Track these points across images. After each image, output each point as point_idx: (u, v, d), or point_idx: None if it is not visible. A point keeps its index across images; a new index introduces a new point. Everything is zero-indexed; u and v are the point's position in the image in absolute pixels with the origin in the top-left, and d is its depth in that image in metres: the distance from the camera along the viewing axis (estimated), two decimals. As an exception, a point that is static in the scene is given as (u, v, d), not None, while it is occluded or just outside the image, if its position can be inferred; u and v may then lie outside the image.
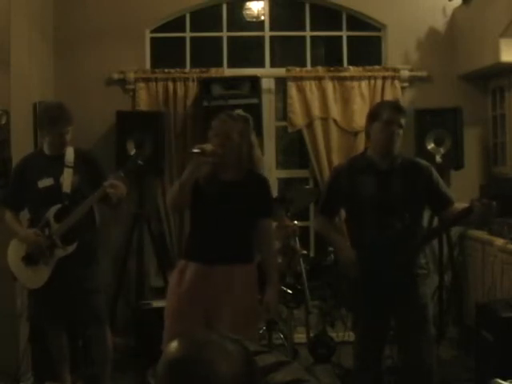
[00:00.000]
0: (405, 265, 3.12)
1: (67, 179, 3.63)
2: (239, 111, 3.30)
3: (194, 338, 1.30)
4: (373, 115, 3.25)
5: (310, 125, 5.11)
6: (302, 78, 5.11)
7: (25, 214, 3.84)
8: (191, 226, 3.31)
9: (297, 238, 4.25)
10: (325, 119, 5.09)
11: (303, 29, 5.35)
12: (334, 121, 5.08)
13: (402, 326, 3.24)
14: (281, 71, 5.22)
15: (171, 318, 3.15)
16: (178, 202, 3.15)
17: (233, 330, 2.97)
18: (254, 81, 4.89)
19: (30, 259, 3.62)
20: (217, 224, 3.10)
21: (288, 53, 5.63)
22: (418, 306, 3.18)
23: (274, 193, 5.11)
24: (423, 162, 3.33)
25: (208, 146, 3.03)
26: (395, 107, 3.24)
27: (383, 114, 3.17)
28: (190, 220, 3.32)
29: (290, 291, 4.13)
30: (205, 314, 3.10)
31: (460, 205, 3.19)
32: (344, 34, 5.35)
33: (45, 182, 3.63)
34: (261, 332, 4.51)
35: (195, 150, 3.01)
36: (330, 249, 4.46)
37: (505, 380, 2.12)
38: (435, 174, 3.25)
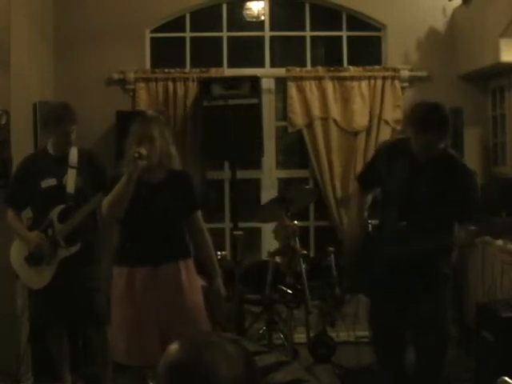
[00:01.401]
0: (403, 264, 3.05)
1: (71, 180, 3.64)
2: (150, 111, 3.32)
3: (193, 340, 1.30)
4: (410, 122, 3.11)
5: (310, 125, 5.11)
6: (302, 78, 5.11)
7: (25, 213, 3.84)
8: (123, 231, 3.28)
9: (297, 238, 4.25)
10: (325, 119, 5.09)
11: (303, 29, 5.35)
12: (334, 121, 5.08)
13: (417, 325, 3.22)
14: (281, 71, 5.22)
15: (127, 326, 3.14)
16: (118, 209, 3.09)
17: (186, 325, 3.05)
18: (254, 81, 4.89)
19: (32, 259, 3.62)
20: (151, 226, 3.11)
21: (288, 53, 5.63)
22: (433, 310, 3.12)
23: (274, 193, 5.13)
24: (469, 167, 3.17)
25: (143, 150, 3.03)
26: (431, 125, 2.97)
27: (417, 126, 3.01)
28: (120, 226, 3.28)
29: (289, 291, 4.13)
30: (160, 315, 3.12)
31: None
32: (344, 34, 5.35)
33: (48, 183, 3.64)
34: (261, 332, 4.52)
35: (135, 155, 3.00)
36: (330, 249, 4.47)
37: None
38: (475, 183, 3.11)
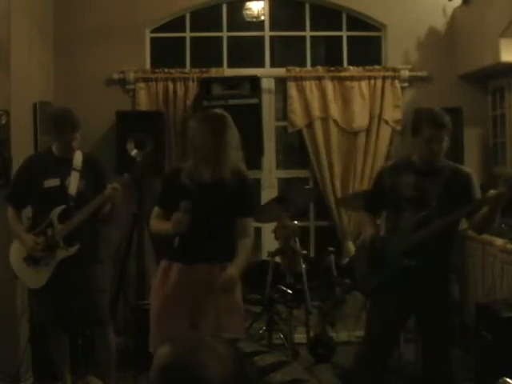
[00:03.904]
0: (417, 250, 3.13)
1: (74, 182, 3.65)
2: (218, 110, 3.30)
3: (183, 342, 1.30)
4: (414, 129, 3.21)
5: (310, 125, 5.11)
6: (301, 78, 5.11)
7: (25, 214, 3.84)
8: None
9: (297, 238, 4.25)
10: (325, 119, 5.09)
11: (303, 29, 5.35)
12: (334, 121, 5.08)
13: (429, 328, 3.28)
14: (281, 71, 5.22)
15: (157, 319, 3.16)
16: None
17: (217, 329, 3.01)
18: (254, 81, 4.89)
19: (31, 259, 3.62)
20: (196, 225, 3.06)
21: (288, 53, 5.63)
22: (448, 310, 3.22)
23: (274, 193, 5.12)
24: (464, 169, 3.33)
25: (188, 203, 3.03)
26: (438, 125, 3.12)
27: (424, 131, 3.12)
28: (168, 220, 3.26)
29: (290, 291, 4.13)
30: (190, 314, 3.12)
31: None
32: (344, 33, 5.34)
33: (51, 183, 3.64)
34: (261, 332, 4.52)
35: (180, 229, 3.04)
36: (330, 249, 4.47)
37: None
38: (474, 182, 3.24)
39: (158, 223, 3.24)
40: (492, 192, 3.06)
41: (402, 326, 3.43)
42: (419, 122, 3.20)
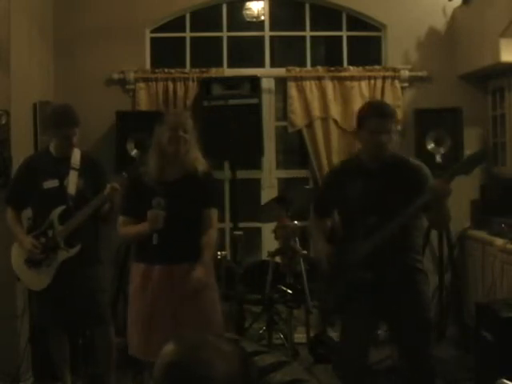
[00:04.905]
0: (384, 250, 3.04)
1: (72, 181, 3.64)
2: (178, 109, 3.34)
3: (189, 340, 1.30)
4: (359, 122, 3.16)
5: (310, 125, 5.11)
6: (301, 78, 5.11)
7: (26, 213, 3.84)
8: None
9: (297, 238, 4.25)
10: (325, 119, 5.09)
11: (303, 29, 5.35)
12: (334, 121, 5.08)
13: (400, 327, 3.22)
14: (281, 71, 5.22)
15: (141, 322, 3.17)
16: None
17: (198, 326, 3.06)
18: (254, 81, 4.89)
19: (32, 262, 3.62)
20: (172, 222, 3.09)
21: (288, 53, 5.63)
22: (417, 307, 3.14)
23: (274, 193, 5.12)
24: (414, 161, 3.25)
25: (161, 201, 3.07)
26: (380, 115, 3.07)
27: (368, 123, 3.06)
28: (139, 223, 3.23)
29: (289, 291, 4.13)
30: (174, 313, 3.13)
31: None
32: (344, 33, 5.34)
33: (50, 184, 3.64)
34: (261, 332, 4.52)
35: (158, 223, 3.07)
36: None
37: (509, 380, 2.11)
38: (425, 173, 3.14)
39: (128, 229, 3.24)
40: (431, 183, 2.97)
41: (374, 330, 3.40)
42: (363, 115, 3.14)
